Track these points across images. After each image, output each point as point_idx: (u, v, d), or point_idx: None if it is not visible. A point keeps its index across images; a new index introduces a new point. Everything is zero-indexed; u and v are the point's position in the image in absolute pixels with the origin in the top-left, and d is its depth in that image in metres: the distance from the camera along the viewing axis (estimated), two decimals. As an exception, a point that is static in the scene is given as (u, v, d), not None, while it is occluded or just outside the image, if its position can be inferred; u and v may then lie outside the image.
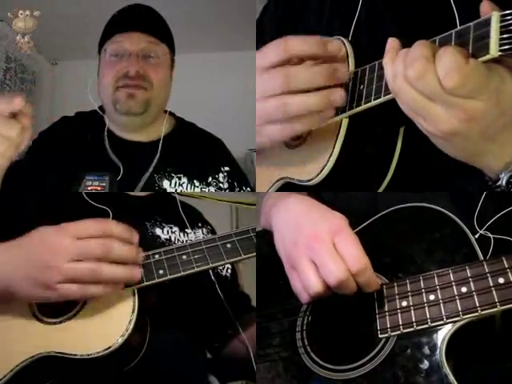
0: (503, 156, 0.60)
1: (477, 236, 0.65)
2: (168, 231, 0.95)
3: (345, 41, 0.75)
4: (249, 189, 1.13)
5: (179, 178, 1.05)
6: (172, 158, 1.06)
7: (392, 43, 0.61)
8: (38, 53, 2.61)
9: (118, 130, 1.09)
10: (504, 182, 0.61)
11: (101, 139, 1.06)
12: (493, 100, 0.55)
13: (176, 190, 1.03)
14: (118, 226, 0.71)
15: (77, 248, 0.67)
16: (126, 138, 1.09)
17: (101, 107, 1.10)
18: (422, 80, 0.55)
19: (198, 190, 1.06)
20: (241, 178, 1.14)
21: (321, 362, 0.67)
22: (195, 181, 1.06)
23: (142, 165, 1.04)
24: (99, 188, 0.97)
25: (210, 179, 1.08)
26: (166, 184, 1.04)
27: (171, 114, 1.14)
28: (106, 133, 1.07)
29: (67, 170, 1.01)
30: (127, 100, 1.01)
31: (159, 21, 1.10)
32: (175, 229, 0.96)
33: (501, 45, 0.53)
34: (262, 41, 1.01)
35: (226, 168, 1.09)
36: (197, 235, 0.98)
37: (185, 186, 1.05)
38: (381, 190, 0.73)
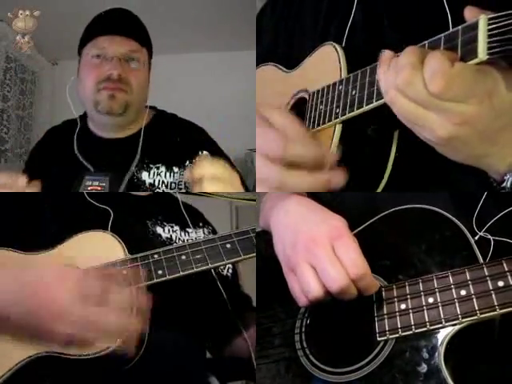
0: (506, 156, 0.60)
1: (476, 238, 0.64)
2: (169, 230, 0.95)
3: (337, 47, 0.75)
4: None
5: (157, 168, 1.06)
6: (150, 150, 1.08)
7: (384, 56, 0.61)
8: (37, 53, 2.61)
9: (97, 129, 1.13)
10: (509, 184, 0.61)
11: (71, 139, 1.10)
12: (485, 103, 0.55)
13: (155, 180, 1.05)
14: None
15: (77, 287, 0.65)
16: (105, 136, 1.12)
17: (81, 116, 1.15)
18: (411, 87, 0.56)
19: (177, 176, 1.07)
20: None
21: (319, 365, 0.67)
22: (174, 167, 1.07)
23: (122, 160, 1.06)
24: (99, 188, 0.98)
25: (187, 163, 1.08)
26: (145, 176, 1.06)
27: (151, 107, 1.18)
28: (75, 135, 1.11)
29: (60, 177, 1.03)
30: (108, 101, 1.04)
31: (139, 25, 1.12)
32: (176, 228, 0.96)
33: (489, 48, 0.53)
34: (259, 44, 1.01)
35: (205, 152, 1.08)
36: (198, 235, 0.99)
37: (163, 174, 1.06)
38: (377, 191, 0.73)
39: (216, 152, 1.12)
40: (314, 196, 0.76)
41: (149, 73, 1.14)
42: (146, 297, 0.68)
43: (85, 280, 0.66)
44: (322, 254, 0.64)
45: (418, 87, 0.55)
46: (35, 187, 0.81)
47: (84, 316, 0.63)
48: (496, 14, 0.52)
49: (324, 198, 0.76)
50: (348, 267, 0.62)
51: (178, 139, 1.11)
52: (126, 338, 0.66)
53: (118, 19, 1.09)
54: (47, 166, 1.10)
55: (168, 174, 1.07)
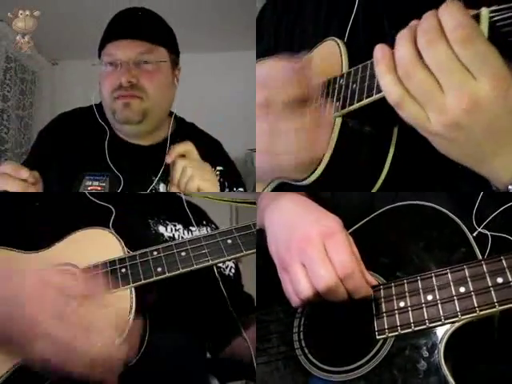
0: (511, 164, 0.57)
1: (475, 234, 0.64)
2: (172, 229, 0.94)
3: (339, 41, 0.75)
4: (241, 189, 1.13)
5: None
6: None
7: (381, 51, 0.60)
8: (37, 53, 2.61)
9: (121, 133, 1.10)
10: None
11: (102, 145, 1.07)
12: (500, 88, 0.52)
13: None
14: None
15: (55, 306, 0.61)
16: (130, 141, 1.10)
17: (97, 105, 1.11)
18: (433, 48, 0.54)
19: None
20: (234, 179, 1.14)
21: (318, 364, 0.67)
22: None
23: (143, 169, 1.05)
24: (99, 188, 0.98)
25: None
26: (162, 188, 1.05)
27: (174, 116, 1.15)
28: (106, 141, 1.07)
29: (68, 170, 1.02)
30: (123, 110, 1.02)
31: (155, 24, 1.09)
32: (179, 226, 0.96)
33: (490, 41, 0.52)
34: (260, 43, 1.01)
35: (219, 167, 1.08)
36: (201, 233, 0.98)
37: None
38: (374, 190, 0.73)
39: (229, 167, 1.13)
40: (311, 195, 0.76)
41: (174, 73, 1.10)
42: (137, 322, 0.67)
43: (66, 296, 0.62)
44: (313, 254, 0.63)
45: (441, 48, 0.53)
46: (36, 181, 0.81)
47: (61, 338, 0.59)
48: (498, 7, 0.52)
49: (321, 197, 0.76)
50: (336, 266, 0.62)
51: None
52: (107, 368, 0.60)
53: (126, 22, 1.06)
54: (58, 151, 1.08)
55: None
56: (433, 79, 0.55)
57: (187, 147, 0.95)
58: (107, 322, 0.62)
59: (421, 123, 0.57)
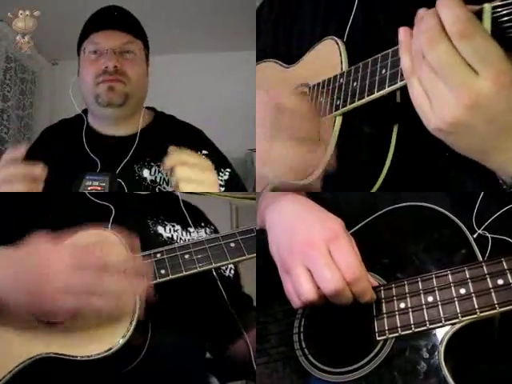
0: None
1: (475, 236, 0.64)
2: (170, 229, 0.95)
3: (338, 41, 0.75)
4: (228, 169, 1.14)
5: (158, 166, 1.07)
6: (150, 149, 1.09)
7: (404, 33, 0.59)
8: (37, 53, 2.61)
9: (98, 125, 1.14)
10: None
11: (80, 138, 1.12)
12: (503, 82, 0.52)
13: (156, 178, 1.07)
14: (116, 234, 0.70)
15: (73, 258, 0.66)
16: (106, 133, 1.14)
17: (84, 111, 1.17)
18: (434, 47, 0.54)
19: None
20: (220, 160, 1.14)
21: (318, 365, 0.67)
22: None
23: (121, 157, 1.08)
24: (99, 188, 0.98)
25: None
26: (146, 173, 1.07)
27: (149, 108, 1.20)
28: (83, 131, 1.13)
29: (56, 174, 1.03)
30: (108, 92, 1.07)
31: (132, 19, 1.16)
32: (177, 227, 0.96)
33: (493, 36, 0.52)
34: (258, 40, 1.01)
35: (204, 151, 1.10)
36: (200, 234, 0.98)
37: (164, 172, 1.07)
38: (374, 189, 0.73)
39: (215, 153, 1.13)
40: (311, 195, 0.76)
41: (147, 65, 1.16)
42: (144, 263, 0.70)
43: (79, 249, 0.67)
44: (317, 257, 0.63)
45: (442, 46, 0.53)
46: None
47: (83, 284, 0.64)
48: (500, 3, 0.52)
49: (321, 197, 0.76)
50: (344, 270, 0.62)
51: (177, 140, 1.11)
52: (128, 298, 0.67)
53: (110, 15, 1.12)
54: (50, 162, 1.10)
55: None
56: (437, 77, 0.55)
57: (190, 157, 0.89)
58: (121, 263, 0.68)
59: (424, 115, 0.57)
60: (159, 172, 1.08)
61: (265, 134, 0.67)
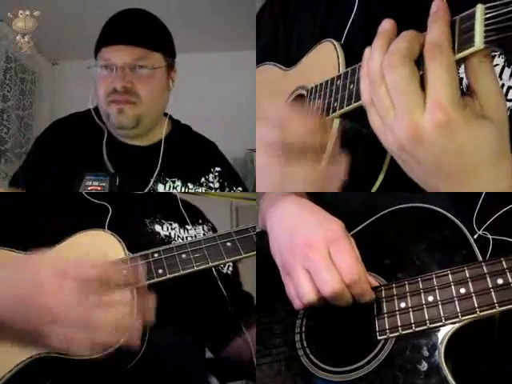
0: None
1: (475, 237, 0.64)
2: (167, 228, 0.95)
3: (335, 43, 0.75)
4: (240, 188, 1.14)
5: (173, 182, 1.07)
6: (166, 163, 1.08)
7: (367, 53, 0.60)
8: (37, 53, 2.61)
9: (117, 135, 1.11)
10: None
11: (99, 145, 1.08)
12: (441, 120, 0.51)
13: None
14: (118, 271, 0.68)
15: (73, 294, 0.63)
16: (126, 142, 1.11)
17: (95, 108, 1.12)
18: (392, 70, 0.55)
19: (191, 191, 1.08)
20: (232, 178, 1.15)
21: (320, 364, 0.67)
22: (189, 183, 1.09)
23: (141, 169, 1.06)
24: (99, 188, 0.98)
25: (202, 180, 1.10)
26: (160, 188, 1.06)
27: (169, 117, 1.16)
28: (104, 141, 1.09)
29: (66, 173, 1.02)
30: (118, 115, 1.03)
31: (151, 28, 1.09)
32: (175, 225, 0.96)
33: (485, 37, 0.52)
34: (258, 42, 1.01)
35: (217, 168, 1.10)
36: (197, 232, 0.98)
37: (179, 188, 1.07)
38: (373, 190, 0.73)
39: (227, 169, 1.14)
40: (312, 196, 0.76)
41: (168, 76, 1.10)
42: (147, 295, 0.68)
43: (83, 279, 0.64)
44: (317, 259, 0.63)
45: (400, 71, 0.54)
46: None
47: (82, 317, 0.62)
48: (493, 4, 0.52)
49: (322, 198, 0.76)
50: (343, 272, 0.62)
51: (192, 155, 1.11)
52: (128, 336, 0.65)
53: (123, 25, 1.06)
54: (57, 160, 1.09)
55: (183, 189, 1.07)
56: (390, 99, 0.55)
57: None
58: (124, 298, 0.66)
59: (380, 135, 0.58)
60: (174, 188, 1.06)
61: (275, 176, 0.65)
